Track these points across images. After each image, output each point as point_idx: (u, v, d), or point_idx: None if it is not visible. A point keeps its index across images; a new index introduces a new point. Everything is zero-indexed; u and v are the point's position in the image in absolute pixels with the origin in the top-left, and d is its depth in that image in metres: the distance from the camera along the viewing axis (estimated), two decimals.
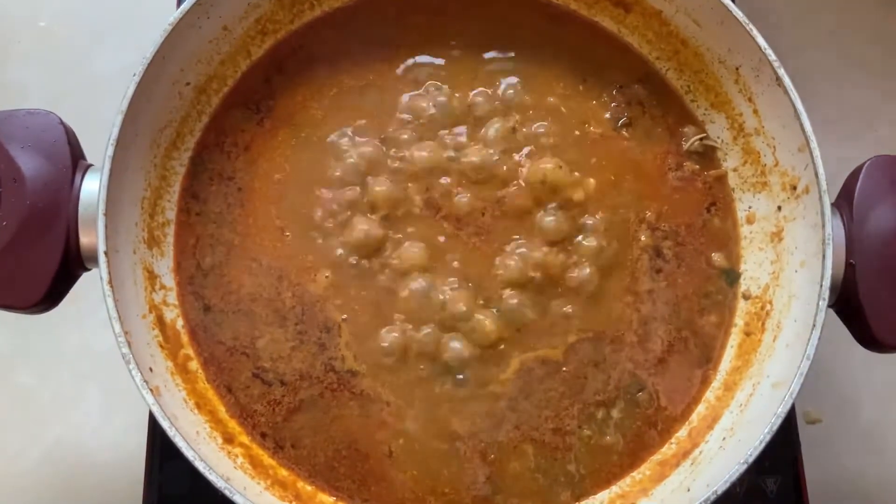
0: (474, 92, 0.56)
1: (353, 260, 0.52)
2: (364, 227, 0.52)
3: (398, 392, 0.50)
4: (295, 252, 0.53)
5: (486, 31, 0.57)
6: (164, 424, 0.44)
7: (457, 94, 0.55)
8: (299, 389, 0.51)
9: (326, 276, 0.52)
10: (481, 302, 0.51)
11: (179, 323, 0.51)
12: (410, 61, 0.56)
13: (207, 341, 0.51)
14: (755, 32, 0.52)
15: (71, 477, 0.61)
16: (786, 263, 0.52)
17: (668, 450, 0.51)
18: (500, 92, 0.56)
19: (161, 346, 0.50)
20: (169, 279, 0.52)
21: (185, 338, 0.51)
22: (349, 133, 0.55)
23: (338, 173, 0.54)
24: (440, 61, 0.56)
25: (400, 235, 0.53)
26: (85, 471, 0.61)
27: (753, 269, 0.54)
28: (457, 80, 0.56)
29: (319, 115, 0.55)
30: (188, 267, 0.53)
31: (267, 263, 0.52)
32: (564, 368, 0.51)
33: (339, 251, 0.52)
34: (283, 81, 0.56)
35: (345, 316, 0.51)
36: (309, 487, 0.49)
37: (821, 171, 0.49)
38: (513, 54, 0.57)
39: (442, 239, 0.53)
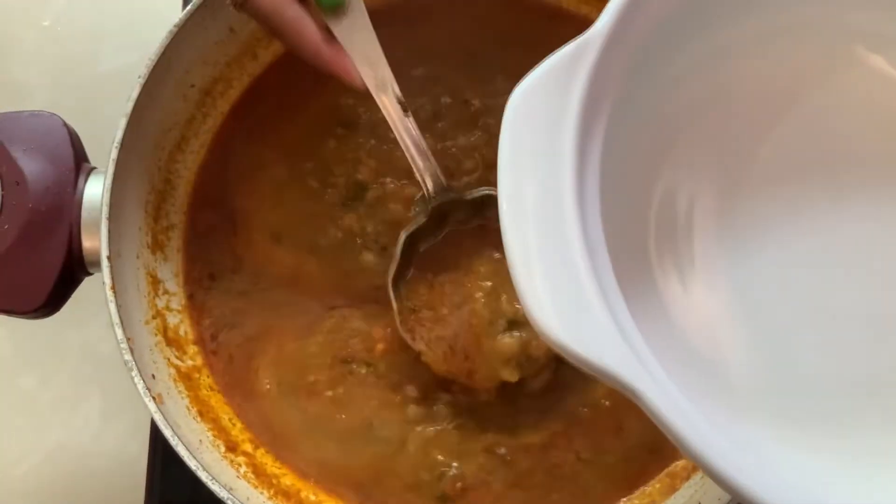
0: (471, 94, 0.55)
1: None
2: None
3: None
4: (296, 261, 0.52)
5: (487, 35, 0.56)
6: (167, 433, 0.44)
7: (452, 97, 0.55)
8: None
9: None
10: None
11: (182, 329, 0.51)
12: (414, 70, 0.55)
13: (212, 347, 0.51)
14: None
15: (71, 482, 0.61)
16: None
17: (679, 462, 0.50)
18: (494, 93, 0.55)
19: (163, 352, 0.49)
20: (172, 284, 0.51)
21: (188, 344, 0.51)
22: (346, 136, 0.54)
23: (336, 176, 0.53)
24: (437, 67, 0.55)
25: None
26: (85, 476, 0.61)
27: None
28: (454, 84, 0.55)
29: (320, 117, 0.55)
30: (193, 271, 0.52)
31: (272, 270, 0.52)
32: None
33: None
34: (282, 84, 0.55)
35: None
36: (313, 497, 0.49)
37: None
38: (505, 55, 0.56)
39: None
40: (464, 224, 0.50)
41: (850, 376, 0.38)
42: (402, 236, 0.49)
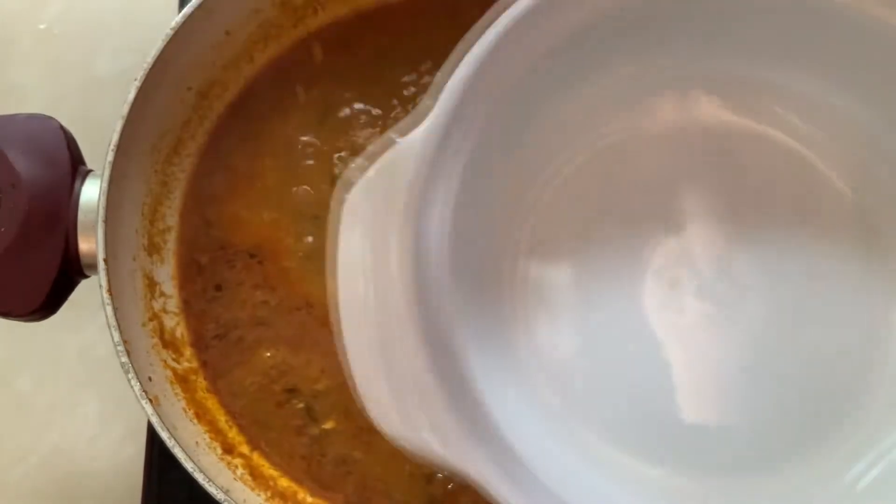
0: None
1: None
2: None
3: None
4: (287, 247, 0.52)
5: None
6: (164, 435, 0.44)
7: None
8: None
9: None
10: None
11: (179, 331, 0.51)
12: (412, 76, 0.55)
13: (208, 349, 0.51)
14: None
15: (67, 485, 0.61)
16: None
17: None
18: None
19: (160, 354, 0.49)
20: (169, 286, 0.51)
21: (184, 346, 0.51)
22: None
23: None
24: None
25: None
26: (82, 479, 0.61)
27: None
28: None
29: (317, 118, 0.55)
30: (189, 273, 0.52)
31: (267, 266, 0.52)
32: None
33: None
34: (276, 85, 0.55)
35: None
36: (310, 499, 0.49)
37: None
38: None
39: None
40: None
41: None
42: None
